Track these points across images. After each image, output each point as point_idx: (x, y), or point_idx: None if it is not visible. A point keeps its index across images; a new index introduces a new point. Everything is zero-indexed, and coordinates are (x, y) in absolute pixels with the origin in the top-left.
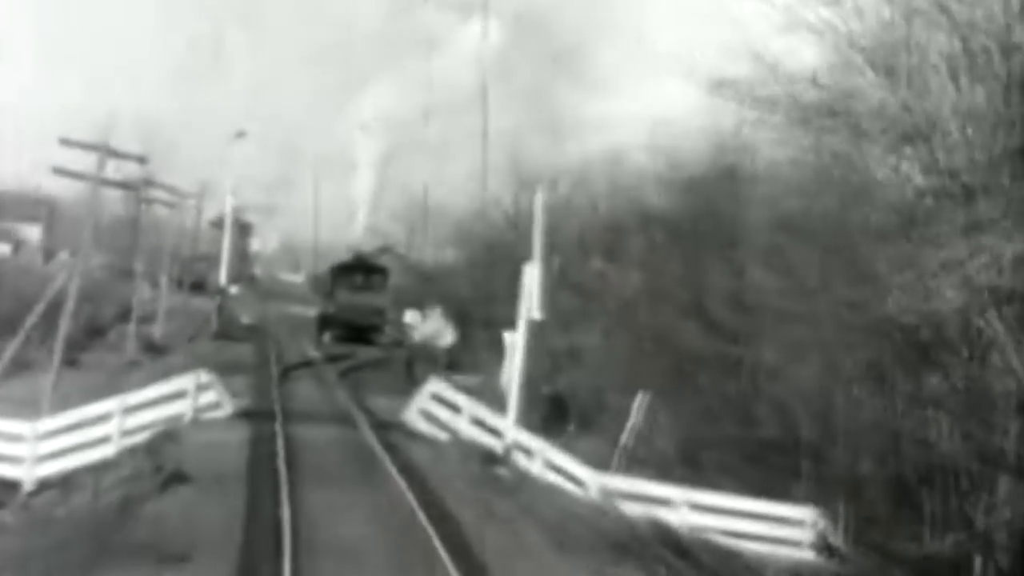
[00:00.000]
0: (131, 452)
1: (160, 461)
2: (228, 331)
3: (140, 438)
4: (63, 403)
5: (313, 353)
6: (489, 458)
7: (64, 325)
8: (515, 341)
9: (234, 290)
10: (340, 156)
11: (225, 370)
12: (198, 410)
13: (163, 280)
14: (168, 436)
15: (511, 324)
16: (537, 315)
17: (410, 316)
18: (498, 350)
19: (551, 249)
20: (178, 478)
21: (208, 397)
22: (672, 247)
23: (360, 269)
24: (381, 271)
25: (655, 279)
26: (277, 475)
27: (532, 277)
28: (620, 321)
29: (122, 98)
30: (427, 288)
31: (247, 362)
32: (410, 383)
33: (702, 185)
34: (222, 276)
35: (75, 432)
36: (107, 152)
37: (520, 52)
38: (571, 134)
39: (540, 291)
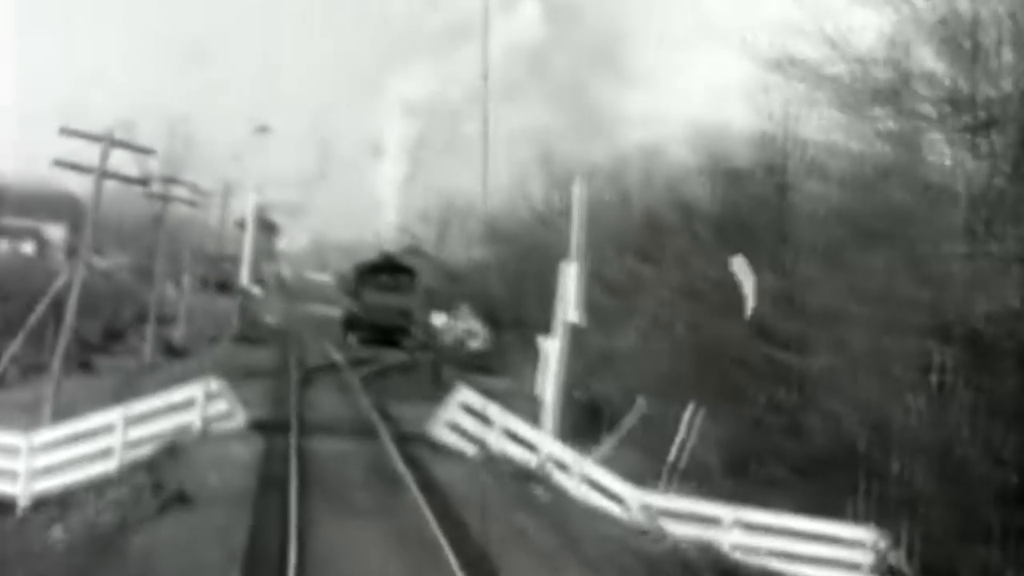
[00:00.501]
0: (133, 467)
1: (161, 479)
2: (249, 333)
3: (145, 451)
4: (70, 410)
5: (337, 356)
6: (523, 475)
7: (67, 326)
8: (551, 347)
9: (257, 291)
10: (369, 152)
11: (243, 375)
12: (207, 421)
13: (184, 281)
14: (172, 451)
15: (542, 326)
16: (575, 319)
17: (438, 318)
18: (529, 351)
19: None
20: (178, 499)
21: (219, 407)
22: (715, 244)
23: (387, 269)
24: (408, 271)
25: (697, 279)
26: (287, 500)
27: (569, 277)
28: (658, 323)
29: (137, 92)
30: (457, 289)
31: (267, 366)
32: (437, 388)
33: (748, 179)
34: (243, 276)
35: (74, 445)
36: (111, 142)
37: (558, 42)
38: (608, 128)
39: (578, 292)
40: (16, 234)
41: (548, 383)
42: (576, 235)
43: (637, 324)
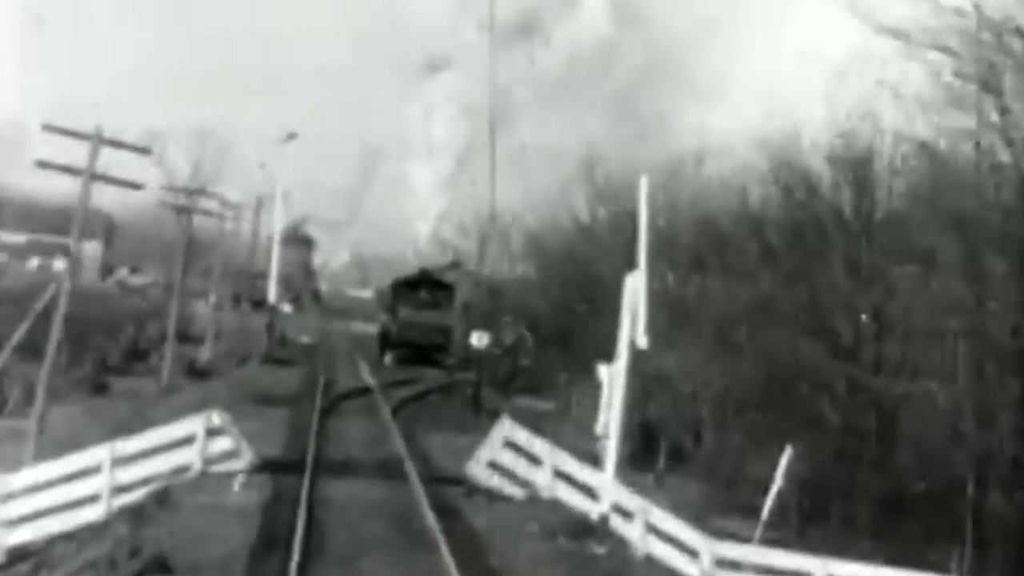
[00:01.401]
0: (121, 514)
1: (141, 539)
2: (277, 354)
3: (137, 495)
4: (73, 442)
5: (369, 379)
6: (579, 529)
7: (53, 344)
8: (613, 376)
9: (287, 308)
10: (410, 165)
11: (264, 401)
12: (208, 461)
13: (211, 298)
14: (163, 498)
15: (587, 342)
16: (643, 343)
17: (476, 337)
18: (572, 369)
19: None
20: (157, 569)
21: (222, 444)
22: (787, 255)
23: (424, 285)
24: (447, 287)
25: (767, 292)
26: (287, 572)
27: (636, 292)
28: (721, 341)
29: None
30: (498, 304)
31: (291, 391)
32: (477, 415)
33: (823, 183)
34: (271, 293)
35: (56, 488)
36: (100, 141)
37: (622, 45)
38: (664, 137)
39: (646, 310)
40: (47, 251)
41: (612, 417)
42: (644, 240)
43: (697, 342)
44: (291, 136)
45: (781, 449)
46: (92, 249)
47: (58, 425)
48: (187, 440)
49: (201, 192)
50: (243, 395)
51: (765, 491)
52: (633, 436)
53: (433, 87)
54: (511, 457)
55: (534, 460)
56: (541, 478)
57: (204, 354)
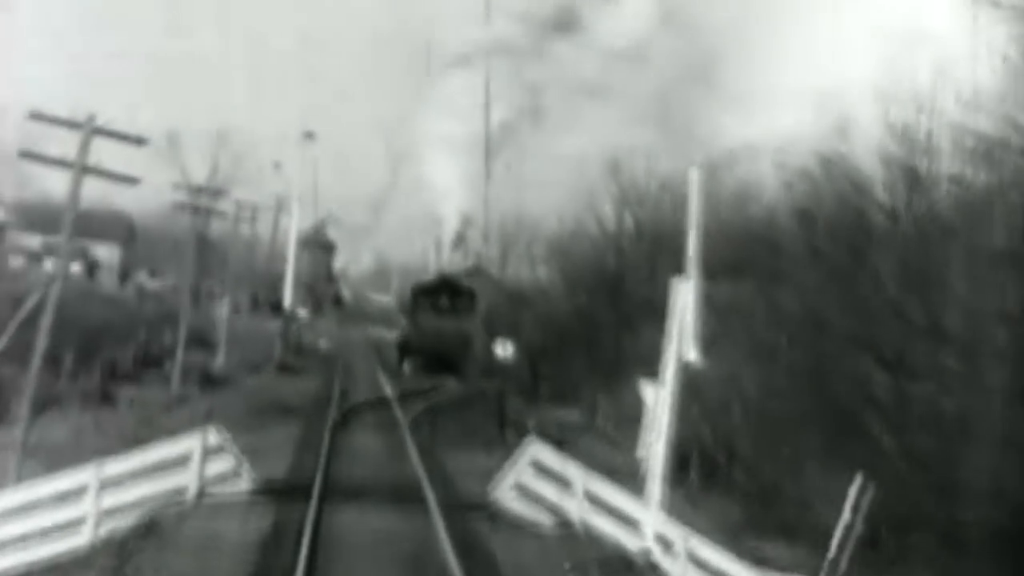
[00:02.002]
0: (108, 543)
1: None
2: (293, 362)
3: (128, 519)
4: (76, 456)
5: (387, 388)
6: (616, 563)
7: (39, 349)
8: (660, 395)
9: (304, 314)
10: (429, 167)
11: (275, 412)
12: (205, 483)
13: (225, 303)
14: (151, 528)
15: (615, 351)
16: (693, 358)
17: (501, 347)
18: (597, 378)
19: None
20: None
21: (220, 465)
22: (836, 259)
23: (444, 291)
24: (468, 293)
25: (815, 299)
26: None
27: (684, 300)
28: (762, 351)
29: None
30: (521, 312)
31: (305, 401)
32: (501, 429)
33: (874, 181)
34: (286, 298)
35: (37, 513)
36: (92, 130)
37: (662, 42)
38: (700, 143)
39: (695, 321)
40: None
41: (659, 440)
42: (693, 243)
43: (734, 351)
44: (308, 135)
45: (822, 465)
46: (110, 252)
47: (58, 437)
48: (182, 460)
49: (218, 192)
50: (254, 405)
51: (802, 508)
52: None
53: (458, 84)
54: (540, 480)
55: (565, 484)
56: (573, 505)
57: (218, 361)
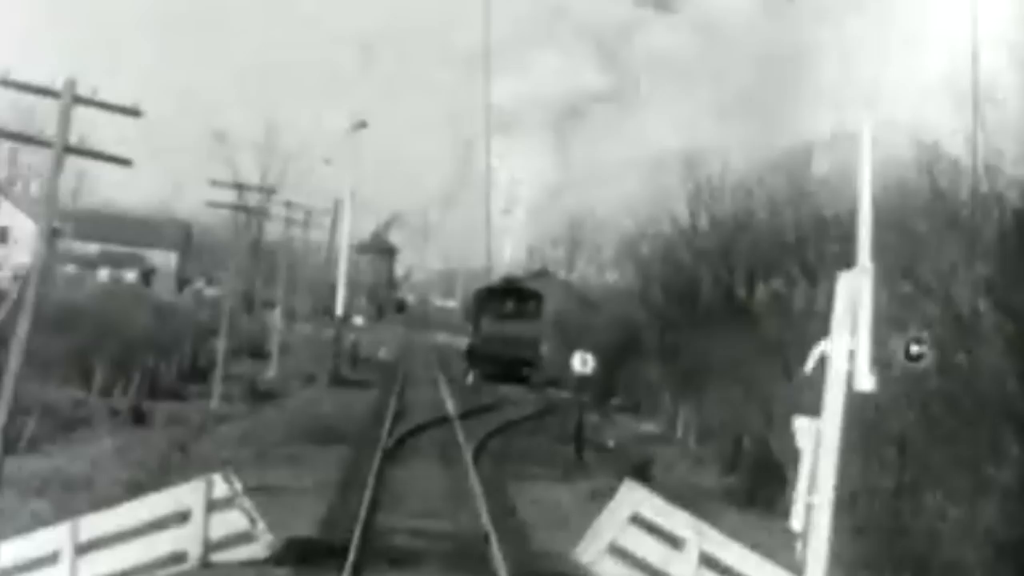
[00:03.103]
0: None
1: None
2: (346, 374)
3: None
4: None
5: (449, 404)
6: None
7: (15, 363)
8: (821, 434)
9: (360, 321)
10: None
11: (317, 436)
12: (210, 546)
13: (277, 311)
14: None
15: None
16: (867, 384)
17: (579, 360)
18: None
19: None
20: None
21: (230, 522)
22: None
23: (509, 294)
24: (535, 296)
25: (959, 303)
26: None
27: (857, 298)
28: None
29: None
30: (591, 316)
31: (354, 422)
32: (579, 451)
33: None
34: (339, 305)
35: None
36: (74, 99)
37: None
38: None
39: (870, 330)
40: (118, 262)
41: (823, 492)
42: (866, 218)
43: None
44: (360, 125)
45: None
46: (167, 259)
47: (77, 467)
48: (181, 518)
49: (269, 191)
50: (297, 427)
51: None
52: (749, 468)
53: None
54: (640, 536)
55: (676, 544)
56: (686, 570)
57: (270, 372)
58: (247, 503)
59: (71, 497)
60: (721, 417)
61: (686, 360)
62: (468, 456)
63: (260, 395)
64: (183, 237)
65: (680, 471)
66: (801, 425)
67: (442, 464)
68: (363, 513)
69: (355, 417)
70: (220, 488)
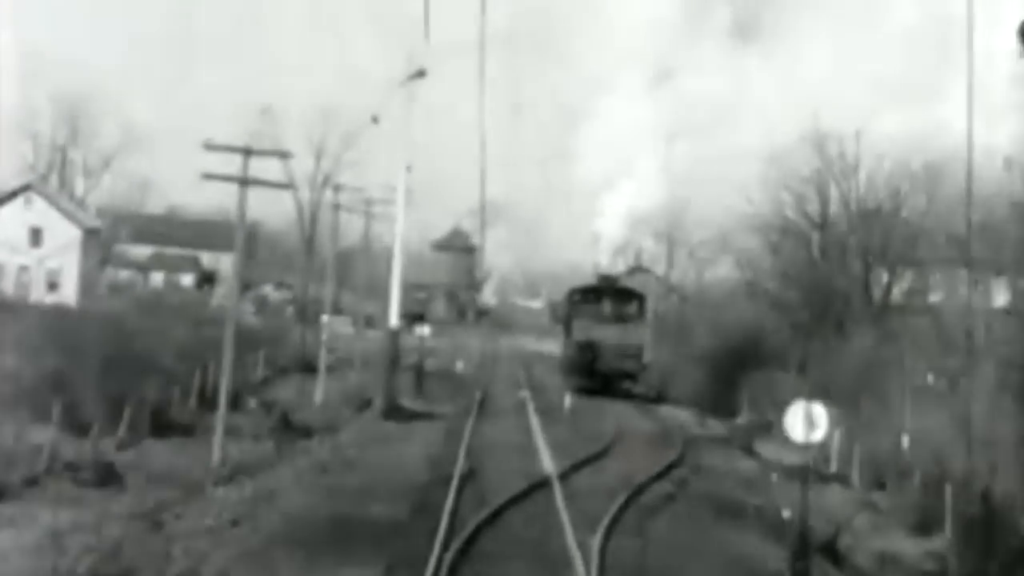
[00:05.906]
0: None
1: None
2: (404, 402)
3: None
4: None
5: (545, 454)
6: None
7: None
8: None
9: (426, 331)
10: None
11: (341, 533)
12: None
13: (324, 319)
14: None
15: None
16: None
17: (801, 423)
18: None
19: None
20: None
21: None
22: None
23: (606, 294)
24: (636, 296)
25: None
26: None
27: None
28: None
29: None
30: (695, 316)
31: (398, 499)
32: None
33: None
34: (392, 314)
35: None
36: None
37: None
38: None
39: None
40: (174, 265)
41: None
42: None
43: None
44: (420, 73)
45: None
46: (228, 262)
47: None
48: None
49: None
50: (310, 513)
51: None
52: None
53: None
54: None
55: None
56: None
57: (317, 396)
58: None
59: None
60: (900, 450)
61: (830, 369)
62: (580, 560)
63: (291, 430)
64: (245, 238)
65: (862, 528)
66: None
67: None
68: None
69: (406, 479)
70: None
